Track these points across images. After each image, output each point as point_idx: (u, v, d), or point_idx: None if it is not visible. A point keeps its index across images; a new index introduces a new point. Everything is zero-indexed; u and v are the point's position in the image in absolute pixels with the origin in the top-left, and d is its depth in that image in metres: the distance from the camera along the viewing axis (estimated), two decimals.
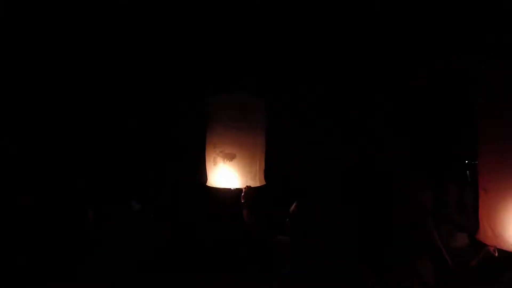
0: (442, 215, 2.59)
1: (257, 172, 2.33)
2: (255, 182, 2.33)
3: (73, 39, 3.12)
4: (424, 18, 2.84)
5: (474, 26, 2.61)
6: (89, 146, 3.30)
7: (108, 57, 3.20)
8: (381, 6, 2.81)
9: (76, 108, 3.40)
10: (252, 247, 2.54)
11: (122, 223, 2.80)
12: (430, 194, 2.65)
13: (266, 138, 2.41)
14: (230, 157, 2.28)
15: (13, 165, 3.22)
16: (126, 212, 2.86)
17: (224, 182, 2.34)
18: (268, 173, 2.46)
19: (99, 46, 3.15)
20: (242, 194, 2.31)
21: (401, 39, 3.04)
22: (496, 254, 1.86)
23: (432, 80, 3.15)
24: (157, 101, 3.33)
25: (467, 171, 2.77)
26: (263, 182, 2.39)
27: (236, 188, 2.34)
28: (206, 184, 2.42)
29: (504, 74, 1.89)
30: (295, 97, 3.23)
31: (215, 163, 2.33)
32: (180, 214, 2.90)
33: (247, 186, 2.31)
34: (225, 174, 2.31)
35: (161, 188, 3.21)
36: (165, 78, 3.20)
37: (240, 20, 2.77)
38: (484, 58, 2.22)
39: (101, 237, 2.79)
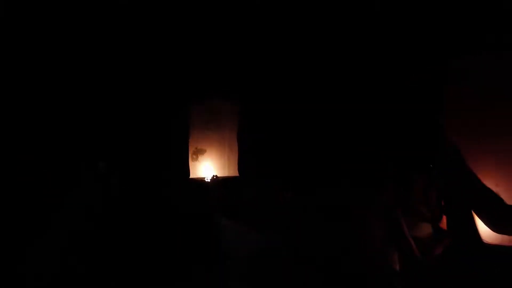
0: (408, 206, 2.75)
1: (225, 164, 2.83)
2: (224, 173, 2.83)
3: (71, 41, 3.22)
4: (424, 19, 2.87)
5: (474, 26, 2.58)
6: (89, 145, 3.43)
7: (111, 58, 3.41)
8: (381, 6, 2.87)
9: (75, 107, 3.56)
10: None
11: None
12: (398, 186, 2.81)
13: (238, 137, 2.75)
14: (202, 152, 2.83)
15: (13, 165, 3.40)
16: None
17: (200, 173, 2.84)
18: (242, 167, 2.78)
19: (99, 48, 3.37)
20: (210, 180, 2.69)
21: (399, 40, 3.10)
22: None
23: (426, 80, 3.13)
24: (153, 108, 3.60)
25: (430, 165, 2.94)
26: (235, 174, 2.74)
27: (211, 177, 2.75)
28: (189, 176, 2.87)
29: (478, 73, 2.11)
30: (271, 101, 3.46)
31: (192, 158, 2.84)
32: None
33: (214, 175, 2.66)
34: (200, 166, 2.84)
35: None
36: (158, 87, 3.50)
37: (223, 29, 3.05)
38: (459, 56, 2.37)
39: None
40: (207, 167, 2.74)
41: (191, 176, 2.79)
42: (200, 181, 2.78)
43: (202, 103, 2.82)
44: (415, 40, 3.00)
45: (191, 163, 2.79)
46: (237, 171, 2.78)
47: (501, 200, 2.14)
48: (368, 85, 3.34)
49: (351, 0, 2.95)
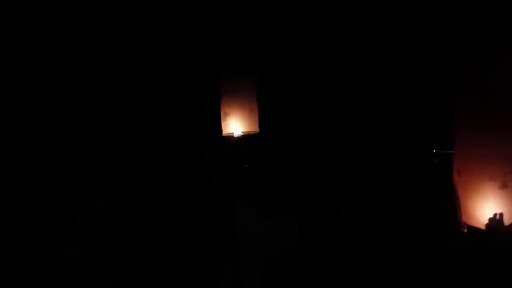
0: None
1: (247, 122, 3.59)
2: (245, 129, 3.61)
3: (73, 39, 3.39)
4: (424, 18, 2.99)
5: (474, 24, 2.63)
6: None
7: (107, 56, 3.60)
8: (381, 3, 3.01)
9: (77, 108, 3.59)
10: None
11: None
12: None
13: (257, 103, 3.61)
14: (228, 113, 3.60)
15: (13, 165, 3.25)
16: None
17: (228, 130, 3.63)
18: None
19: (99, 44, 3.51)
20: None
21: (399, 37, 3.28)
22: (465, 230, 2.04)
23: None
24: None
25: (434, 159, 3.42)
26: (256, 130, 3.63)
27: (238, 135, 3.62)
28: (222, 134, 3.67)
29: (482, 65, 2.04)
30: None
31: (222, 119, 3.64)
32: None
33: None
34: (228, 124, 3.62)
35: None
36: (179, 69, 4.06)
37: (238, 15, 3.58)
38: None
39: None
40: (233, 125, 3.54)
41: (224, 132, 3.60)
42: (230, 136, 3.63)
43: (225, 76, 3.52)
44: (417, 36, 3.17)
45: (222, 122, 3.58)
46: (257, 128, 3.58)
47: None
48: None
49: None
